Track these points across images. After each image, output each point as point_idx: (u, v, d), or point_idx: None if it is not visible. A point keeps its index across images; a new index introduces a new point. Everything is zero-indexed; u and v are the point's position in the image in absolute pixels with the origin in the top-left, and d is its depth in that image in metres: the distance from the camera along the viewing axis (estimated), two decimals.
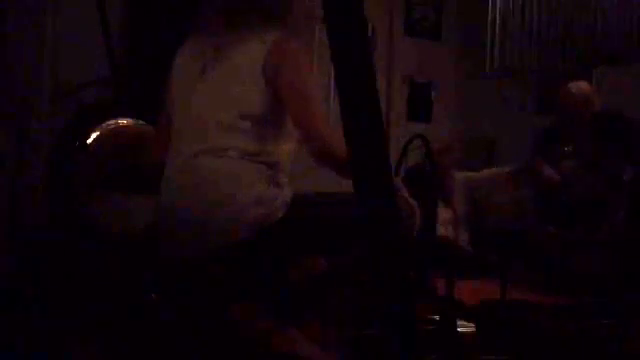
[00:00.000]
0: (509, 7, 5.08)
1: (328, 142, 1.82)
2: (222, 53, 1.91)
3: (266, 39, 1.87)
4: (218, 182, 1.83)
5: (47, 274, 2.66)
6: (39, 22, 3.34)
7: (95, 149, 2.78)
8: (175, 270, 1.93)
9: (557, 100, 3.99)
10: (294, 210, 1.85)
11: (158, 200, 1.94)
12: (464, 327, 2.22)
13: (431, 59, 5.36)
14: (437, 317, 2.19)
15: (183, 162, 1.87)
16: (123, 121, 2.77)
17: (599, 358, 2.29)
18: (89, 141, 2.81)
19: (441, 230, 3.65)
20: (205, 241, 1.82)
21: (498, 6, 5.12)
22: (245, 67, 1.87)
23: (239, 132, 1.85)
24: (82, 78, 3.26)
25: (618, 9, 4.56)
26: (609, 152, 3.73)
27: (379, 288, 0.92)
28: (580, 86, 3.94)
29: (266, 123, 1.87)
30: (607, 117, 3.83)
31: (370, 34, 4.65)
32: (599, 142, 3.75)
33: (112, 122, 2.81)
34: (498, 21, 5.11)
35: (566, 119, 3.95)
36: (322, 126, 1.85)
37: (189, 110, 1.92)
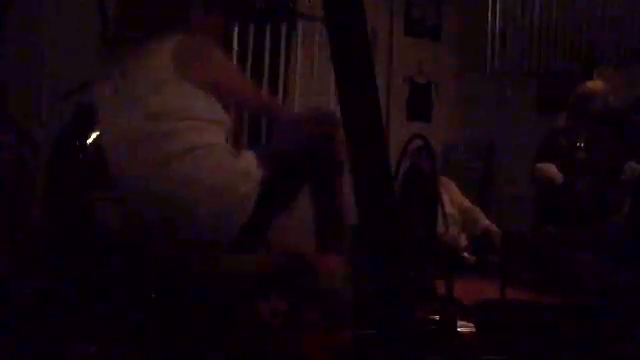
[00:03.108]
0: (509, 7, 5.08)
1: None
2: (130, 70, 1.93)
3: (167, 45, 1.90)
4: (205, 172, 1.86)
5: (47, 274, 2.65)
6: (39, 22, 3.34)
7: (95, 149, 2.78)
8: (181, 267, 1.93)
9: (573, 97, 3.97)
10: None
11: (134, 210, 1.94)
12: (464, 327, 2.22)
13: (431, 59, 5.36)
14: (437, 317, 2.18)
15: (151, 168, 1.87)
16: None
17: (599, 358, 2.29)
18: (89, 141, 2.81)
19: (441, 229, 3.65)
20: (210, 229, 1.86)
21: (498, 6, 5.12)
22: (156, 72, 1.90)
23: (179, 135, 1.87)
24: (82, 78, 3.26)
25: (618, 9, 4.57)
26: (613, 150, 3.74)
27: (379, 288, 0.92)
28: (598, 85, 3.96)
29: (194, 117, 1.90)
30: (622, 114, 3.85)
31: (370, 34, 4.65)
32: (610, 140, 3.77)
33: None
34: (498, 21, 5.11)
35: (582, 116, 3.92)
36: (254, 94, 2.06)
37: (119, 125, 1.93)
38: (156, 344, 1.91)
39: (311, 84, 4.61)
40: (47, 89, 3.35)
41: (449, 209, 4.14)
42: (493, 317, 2.50)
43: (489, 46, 5.13)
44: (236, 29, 4.25)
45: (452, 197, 4.38)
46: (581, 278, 3.31)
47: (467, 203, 4.43)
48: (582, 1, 4.76)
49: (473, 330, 2.23)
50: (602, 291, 3.11)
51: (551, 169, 3.85)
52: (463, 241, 4.22)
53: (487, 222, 4.28)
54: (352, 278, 2.02)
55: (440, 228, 3.47)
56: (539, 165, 3.90)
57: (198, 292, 1.89)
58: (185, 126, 1.86)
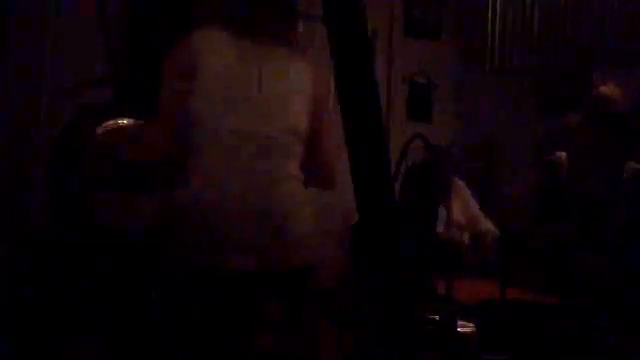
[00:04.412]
0: (509, 7, 5.08)
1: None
2: (270, 69, 1.87)
3: (307, 66, 1.92)
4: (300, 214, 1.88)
5: (47, 274, 2.65)
6: (39, 22, 3.34)
7: (95, 149, 2.78)
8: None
9: (591, 100, 3.98)
10: None
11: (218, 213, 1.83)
12: (464, 327, 2.22)
13: (431, 59, 5.36)
14: (437, 317, 2.18)
15: (258, 185, 1.81)
16: (123, 121, 2.77)
17: (599, 358, 2.29)
18: (89, 141, 2.81)
19: (441, 229, 3.65)
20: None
21: (498, 6, 5.12)
22: (296, 90, 1.89)
23: (293, 156, 1.87)
24: (82, 78, 3.27)
25: (619, 9, 4.57)
26: (614, 150, 3.74)
27: (379, 288, 0.92)
28: (614, 88, 3.97)
29: (304, 145, 1.90)
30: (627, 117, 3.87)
31: (370, 34, 4.65)
32: (611, 140, 3.78)
33: (112, 122, 2.81)
34: (498, 21, 5.11)
35: (599, 119, 3.92)
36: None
37: (249, 124, 1.82)
38: (156, 344, 1.91)
39: None
40: (47, 89, 3.35)
41: (457, 215, 4.13)
42: (493, 317, 2.50)
43: (489, 46, 5.13)
44: None
45: (461, 202, 4.35)
46: (581, 278, 3.31)
47: (475, 210, 4.36)
48: (582, 1, 4.76)
49: (473, 330, 2.23)
50: (602, 291, 3.11)
51: (563, 155, 3.85)
52: (466, 240, 4.20)
53: (492, 228, 4.23)
54: (352, 278, 2.02)
55: (440, 228, 3.47)
56: (558, 153, 3.91)
57: (198, 292, 1.88)
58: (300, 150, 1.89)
